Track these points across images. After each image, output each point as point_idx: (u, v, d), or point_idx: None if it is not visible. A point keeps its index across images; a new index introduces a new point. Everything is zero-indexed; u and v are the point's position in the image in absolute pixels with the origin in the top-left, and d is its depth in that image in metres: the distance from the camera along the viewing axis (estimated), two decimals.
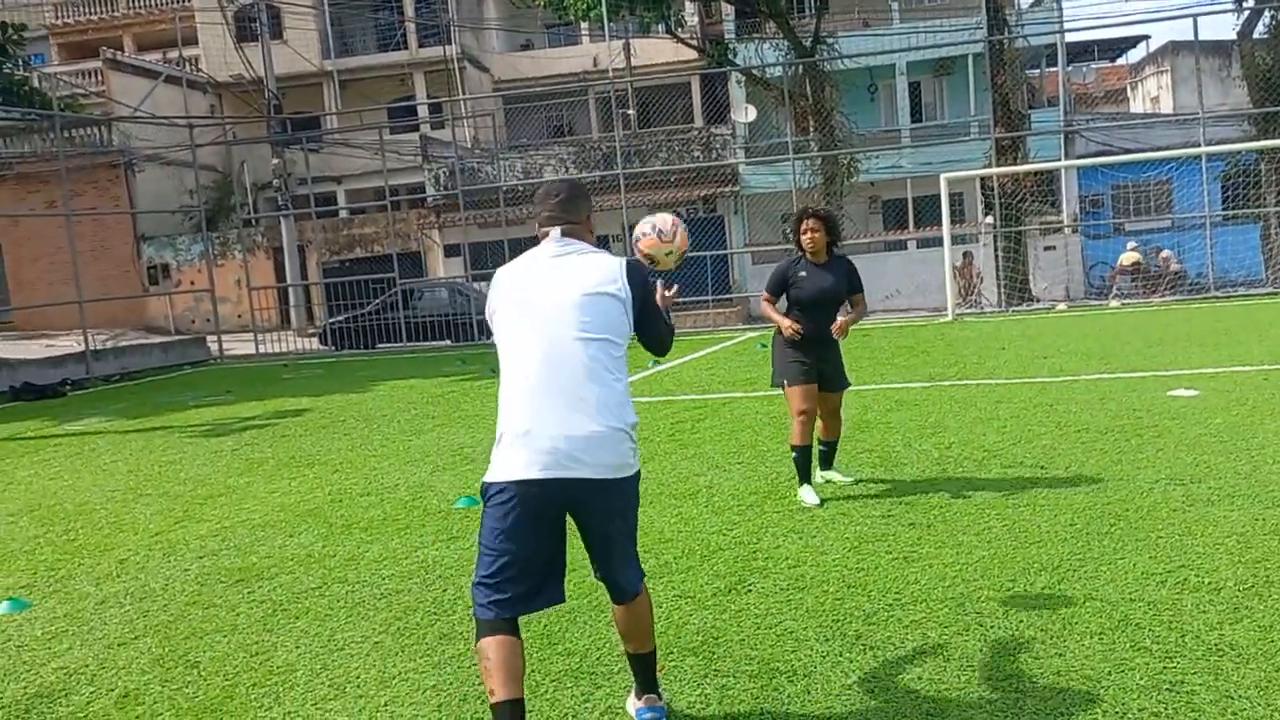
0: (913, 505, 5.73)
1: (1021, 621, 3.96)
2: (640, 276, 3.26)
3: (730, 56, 24.22)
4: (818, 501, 5.86)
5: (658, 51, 31.99)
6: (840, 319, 5.98)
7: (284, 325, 26.93)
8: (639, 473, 3.18)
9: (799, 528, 5.46)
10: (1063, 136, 23.76)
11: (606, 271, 3.18)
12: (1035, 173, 19.70)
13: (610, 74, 30.87)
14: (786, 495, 6.14)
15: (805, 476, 6.01)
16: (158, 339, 22.85)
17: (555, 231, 3.26)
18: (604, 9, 19.33)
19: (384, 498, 6.89)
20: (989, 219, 22.04)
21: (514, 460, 2.99)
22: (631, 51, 32.58)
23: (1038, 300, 22.39)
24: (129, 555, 5.88)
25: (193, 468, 8.48)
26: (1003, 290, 18.98)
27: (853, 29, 26.66)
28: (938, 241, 19.68)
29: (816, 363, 5.97)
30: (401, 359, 17.97)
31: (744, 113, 26.59)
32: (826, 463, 6.41)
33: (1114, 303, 18.51)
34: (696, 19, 33.15)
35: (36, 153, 29.33)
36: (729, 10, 28.06)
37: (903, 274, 26.48)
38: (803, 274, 5.98)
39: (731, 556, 5.02)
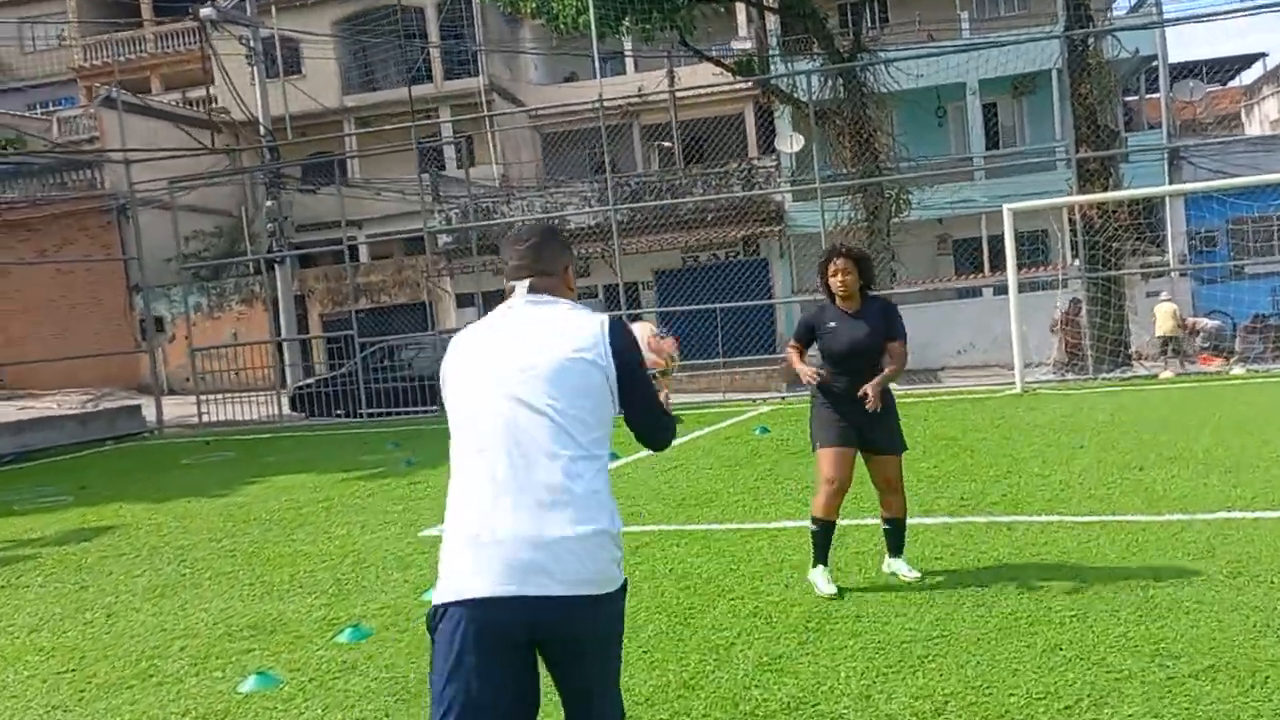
0: None
1: None
2: (626, 340, 2.59)
3: (757, 73, 20.84)
4: (833, 591, 5.14)
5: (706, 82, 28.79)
6: (871, 383, 5.12)
7: (283, 385, 24.41)
8: (625, 587, 2.53)
9: None
10: (1166, 160, 19.73)
11: (584, 333, 2.54)
12: (1130, 203, 15.79)
13: (624, 103, 27.91)
14: None
15: (822, 555, 5.27)
16: (109, 404, 20.27)
17: (522, 286, 2.66)
18: (591, 14, 16.23)
19: None
20: (1077, 261, 18.20)
21: (462, 573, 2.39)
22: (676, 80, 29.56)
23: (1139, 357, 18.41)
24: None
25: None
26: (1090, 351, 15.15)
27: (914, 42, 23.10)
28: (1022, 287, 16.04)
29: (856, 423, 5.21)
30: (338, 436, 14.94)
31: (789, 142, 23.25)
32: (894, 548, 5.46)
33: (1237, 369, 14.52)
34: (753, 43, 29.96)
35: (33, 199, 27.43)
36: (777, 27, 24.74)
37: (977, 325, 22.78)
38: (832, 323, 5.26)
39: None
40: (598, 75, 19.45)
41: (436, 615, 2.44)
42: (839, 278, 5.21)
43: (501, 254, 2.74)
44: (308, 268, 28.26)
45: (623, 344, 2.58)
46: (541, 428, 2.45)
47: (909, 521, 5.67)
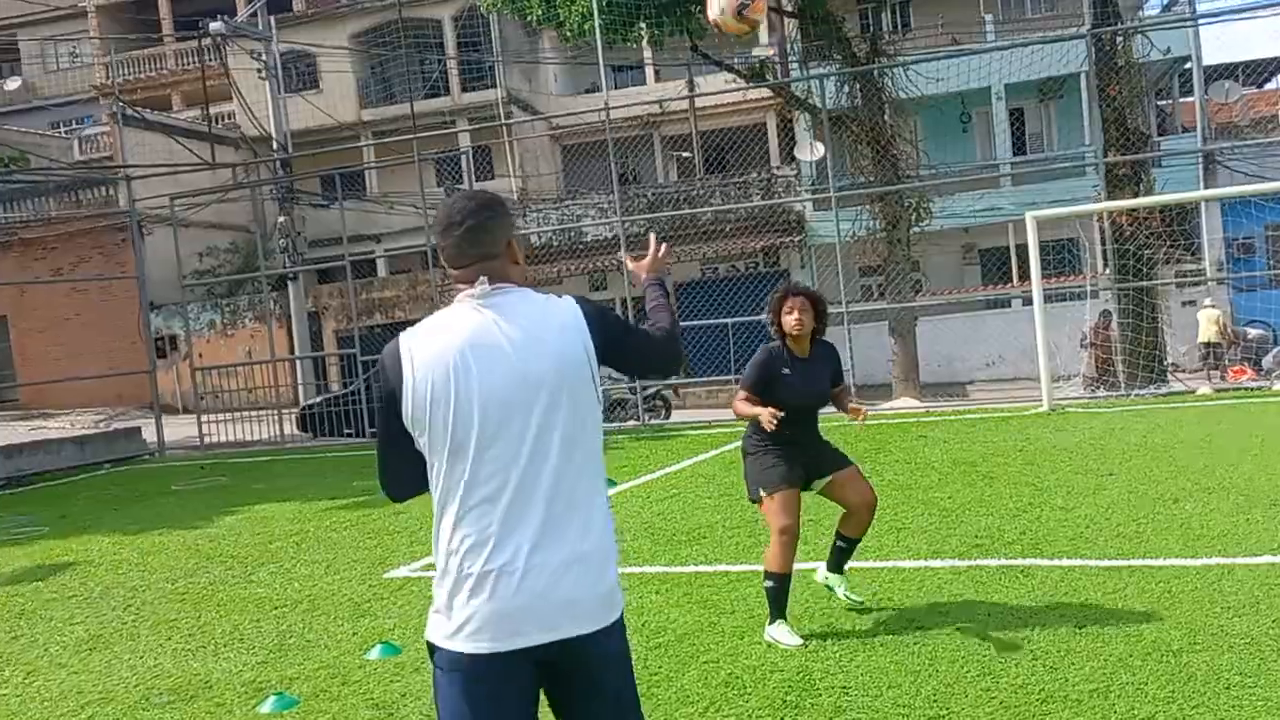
0: None
1: None
2: (597, 313, 2.39)
3: (770, 79, 20.22)
4: (799, 642, 4.76)
5: (730, 93, 28.22)
6: (853, 406, 5.14)
7: (296, 404, 24.03)
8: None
9: None
10: (1201, 164, 18.90)
11: (563, 327, 2.32)
12: (1163, 210, 14.99)
13: (643, 114, 27.40)
14: None
15: (781, 610, 4.89)
16: (117, 425, 19.91)
17: (482, 281, 2.31)
18: (596, 20, 15.65)
19: None
20: (1108, 271, 17.40)
21: (469, 620, 2.20)
22: (697, 89, 29.01)
23: (1176, 369, 17.60)
24: None
25: None
26: (1123, 365, 14.38)
27: (936, 45, 22.40)
28: (1051, 298, 15.30)
29: (805, 461, 5.00)
30: (335, 459, 14.40)
31: (808, 150, 22.62)
32: (841, 565, 5.28)
33: (1279, 384, 13.70)
34: (775, 50, 29.35)
35: (47, 217, 27.31)
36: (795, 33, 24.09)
37: (1006, 337, 22.06)
38: (786, 370, 5.02)
39: None
40: (603, 83, 18.92)
41: (440, 657, 2.25)
42: (795, 315, 5.01)
43: (437, 240, 2.42)
44: (325, 283, 27.94)
45: (597, 319, 2.37)
46: (546, 447, 2.27)
47: (915, 565, 5.16)
